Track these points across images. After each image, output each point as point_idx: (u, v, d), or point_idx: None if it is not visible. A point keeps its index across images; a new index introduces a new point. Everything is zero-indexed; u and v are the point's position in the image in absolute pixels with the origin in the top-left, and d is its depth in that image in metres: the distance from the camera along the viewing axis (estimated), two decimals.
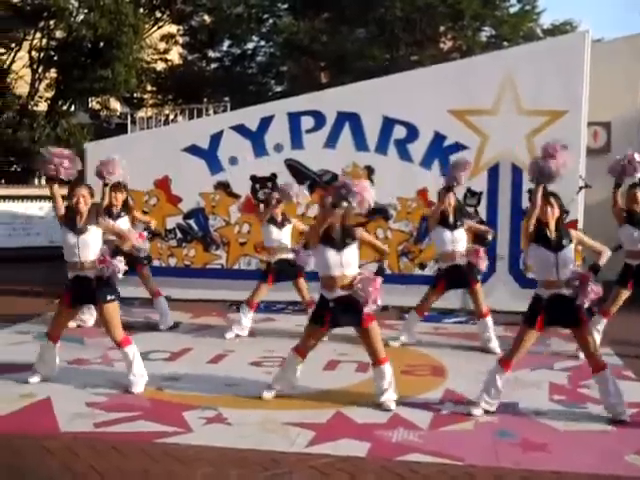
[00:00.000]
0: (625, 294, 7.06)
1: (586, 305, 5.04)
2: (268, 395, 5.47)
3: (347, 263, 5.25)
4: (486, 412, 5.16)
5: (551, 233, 5.10)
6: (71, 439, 4.59)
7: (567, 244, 5.09)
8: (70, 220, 5.65)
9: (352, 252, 5.29)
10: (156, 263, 10.31)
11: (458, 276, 7.24)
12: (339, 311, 5.29)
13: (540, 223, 5.13)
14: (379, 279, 5.24)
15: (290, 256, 7.51)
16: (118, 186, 8.12)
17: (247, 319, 7.79)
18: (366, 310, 5.20)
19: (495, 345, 7.11)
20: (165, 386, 5.79)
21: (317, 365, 6.48)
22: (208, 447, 4.47)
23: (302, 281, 7.78)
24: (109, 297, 5.65)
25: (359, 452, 4.42)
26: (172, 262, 10.35)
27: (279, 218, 7.86)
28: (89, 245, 5.60)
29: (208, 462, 4.24)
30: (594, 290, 4.94)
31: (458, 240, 7.24)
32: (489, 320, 7.26)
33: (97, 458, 4.30)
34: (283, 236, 7.83)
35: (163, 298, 8.37)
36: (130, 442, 4.55)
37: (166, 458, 4.30)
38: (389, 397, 5.30)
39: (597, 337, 7.02)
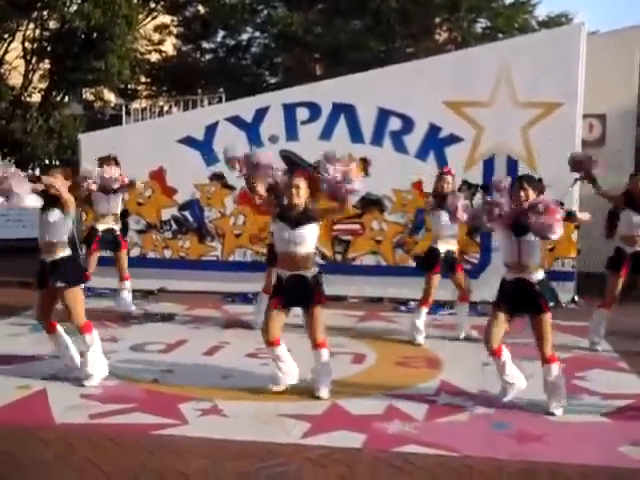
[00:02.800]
0: (621, 281, 7.02)
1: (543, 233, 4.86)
2: (278, 387, 5.44)
3: (300, 242, 5.26)
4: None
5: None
6: (66, 431, 4.59)
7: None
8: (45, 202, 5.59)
9: (307, 232, 5.29)
10: (151, 255, 10.32)
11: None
12: (290, 291, 5.30)
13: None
14: None
15: None
16: (107, 159, 8.04)
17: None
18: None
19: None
20: (160, 378, 5.78)
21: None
22: (204, 439, 4.47)
23: None
24: (58, 284, 5.50)
25: (355, 443, 4.42)
26: (167, 254, 10.33)
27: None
28: (47, 227, 5.52)
29: (204, 454, 4.24)
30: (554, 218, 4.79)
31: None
32: (466, 306, 7.41)
33: (93, 450, 4.29)
34: None
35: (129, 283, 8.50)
36: (126, 434, 4.54)
37: (162, 450, 4.30)
38: (323, 386, 5.33)
39: (602, 330, 7.02)
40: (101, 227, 8.28)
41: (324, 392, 5.30)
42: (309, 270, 5.30)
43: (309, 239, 5.31)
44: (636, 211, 6.92)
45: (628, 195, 7.01)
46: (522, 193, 5.00)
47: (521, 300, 5.04)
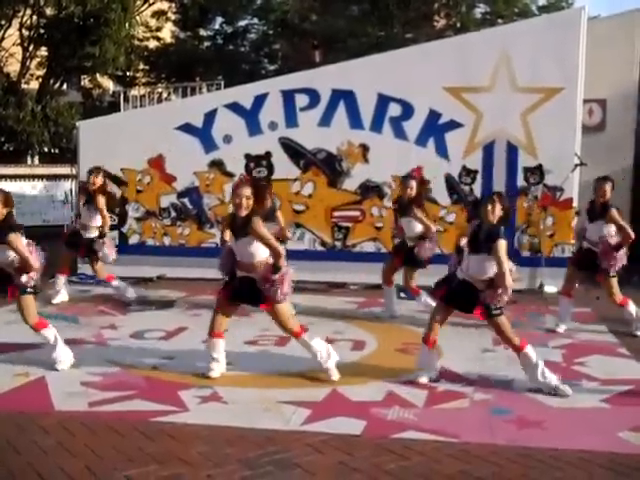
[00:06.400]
0: None
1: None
2: (214, 374, 5.48)
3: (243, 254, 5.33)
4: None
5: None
6: (66, 418, 4.58)
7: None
8: None
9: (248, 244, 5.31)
10: (150, 242, 10.31)
11: None
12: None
13: None
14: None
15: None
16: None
17: None
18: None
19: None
20: (160, 365, 5.78)
21: (317, 341, 6.46)
22: (204, 426, 4.47)
23: None
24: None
25: (354, 430, 4.42)
26: (166, 241, 10.31)
27: None
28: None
29: (204, 440, 4.24)
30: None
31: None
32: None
33: (92, 437, 4.29)
34: None
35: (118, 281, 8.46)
36: (125, 421, 4.54)
37: (162, 437, 4.30)
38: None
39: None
40: None
41: None
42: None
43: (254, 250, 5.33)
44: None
45: None
46: (489, 207, 5.18)
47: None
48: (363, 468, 3.88)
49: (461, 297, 5.29)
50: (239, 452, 4.07)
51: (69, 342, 6.45)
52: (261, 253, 5.30)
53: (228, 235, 5.64)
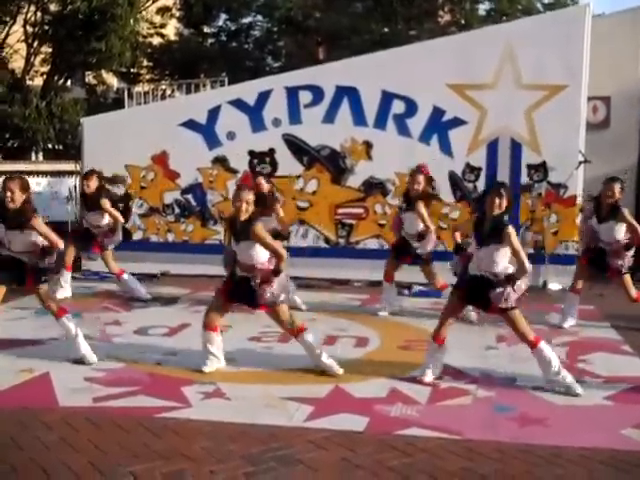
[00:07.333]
0: None
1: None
2: (208, 369, 5.49)
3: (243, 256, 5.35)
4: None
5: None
6: (70, 414, 4.59)
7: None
8: None
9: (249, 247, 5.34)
10: (154, 239, 10.33)
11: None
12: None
13: None
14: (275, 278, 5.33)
15: None
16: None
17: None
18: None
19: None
20: (164, 361, 5.79)
21: (315, 340, 6.48)
22: (207, 422, 4.48)
23: None
24: None
25: (357, 427, 4.42)
26: (170, 237, 10.33)
27: None
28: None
29: (207, 436, 4.24)
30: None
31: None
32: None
33: (96, 432, 4.30)
34: None
35: (128, 275, 8.42)
36: (129, 417, 4.55)
37: (165, 432, 4.31)
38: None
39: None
40: None
41: None
42: None
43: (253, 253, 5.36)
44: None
45: None
46: (497, 200, 5.10)
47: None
48: (366, 465, 3.89)
49: (477, 293, 5.18)
50: (242, 448, 4.08)
51: None
52: (262, 256, 5.34)
53: (227, 238, 5.70)
